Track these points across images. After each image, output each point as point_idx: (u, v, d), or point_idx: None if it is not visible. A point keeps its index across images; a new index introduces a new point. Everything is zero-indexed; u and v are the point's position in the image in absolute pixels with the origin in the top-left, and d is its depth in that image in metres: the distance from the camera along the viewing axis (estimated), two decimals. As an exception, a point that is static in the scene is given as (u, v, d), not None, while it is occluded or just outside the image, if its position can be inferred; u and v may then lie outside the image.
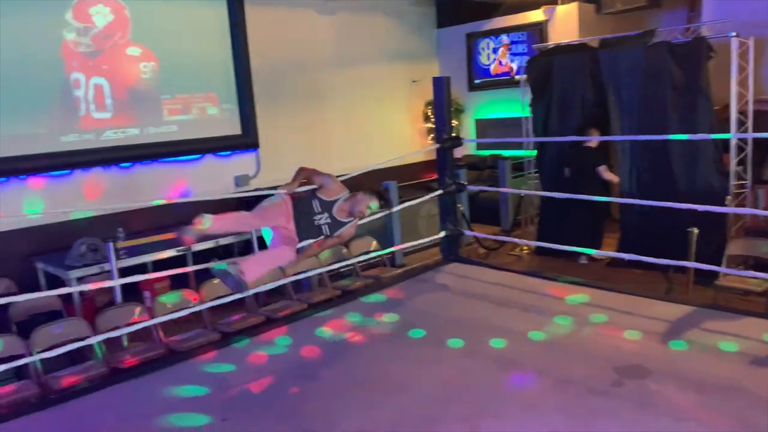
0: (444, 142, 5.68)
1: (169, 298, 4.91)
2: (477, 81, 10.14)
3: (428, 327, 4.25)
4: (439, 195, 5.80)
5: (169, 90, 7.40)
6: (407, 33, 10.03)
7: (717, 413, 3.01)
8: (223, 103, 7.85)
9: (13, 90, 6.26)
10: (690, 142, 6.05)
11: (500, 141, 8.81)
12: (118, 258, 5.56)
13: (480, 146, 10.12)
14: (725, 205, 5.73)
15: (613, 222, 7.23)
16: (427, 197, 6.09)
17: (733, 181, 6.17)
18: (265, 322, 4.94)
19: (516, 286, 5.02)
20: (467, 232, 6.40)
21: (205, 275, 5.20)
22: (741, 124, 6.21)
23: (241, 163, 8.10)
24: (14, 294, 5.10)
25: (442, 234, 5.78)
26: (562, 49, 7.54)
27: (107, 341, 4.26)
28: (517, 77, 8.58)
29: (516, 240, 6.46)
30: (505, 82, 9.60)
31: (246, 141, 8.02)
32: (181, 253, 6.13)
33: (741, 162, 6.25)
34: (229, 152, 7.97)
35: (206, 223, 3.38)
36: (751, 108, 6.27)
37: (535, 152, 7.83)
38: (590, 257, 6.80)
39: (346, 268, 6.06)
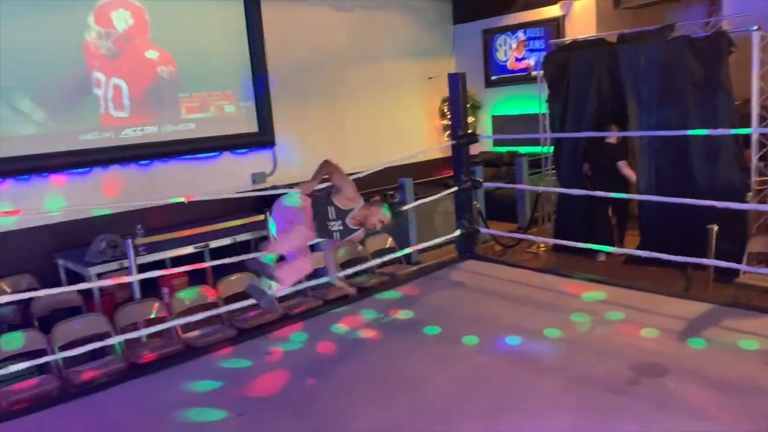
0: (460, 138, 5.66)
1: (187, 294, 4.96)
2: (494, 77, 10.08)
3: (443, 324, 4.25)
4: (455, 192, 5.78)
5: (186, 88, 7.47)
6: (423, 29, 10.00)
7: (736, 412, 2.97)
8: (240, 101, 7.91)
9: (35, 89, 6.38)
10: (710, 138, 5.95)
11: (516, 138, 8.74)
12: (137, 254, 5.66)
13: (497, 143, 10.06)
14: (746, 202, 5.64)
15: (632, 218, 7.16)
16: (443, 194, 6.07)
17: (754, 177, 6.06)
18: (281, 318, 4.97)
19: (532, 283, 4.99)
20: (483, 230, 6.38)
21: (223, 271, 5.28)
22: (762, 119, 6.11)
23: (258, 160, 8.15)
24: (36, 290, 5.18)
25: (458, 231, 5.77)
26: (579, 45, 7.45)
27: (126, 336, 4.32)
28: (534, 73, 8.53)
29: (532, 237, 6.41)
30: (523, 78, 9.55)
31: (263, 139, 8.07)
32: (198, 250, 6.21)
33: (762, 158, 6.14)
34: (246, 150, 8.03)
35: (273, 286, 3.53)
36: (772, 103, 6.17)
37: (552, 149, 7.77)
38: (608, 254, 6.73)
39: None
